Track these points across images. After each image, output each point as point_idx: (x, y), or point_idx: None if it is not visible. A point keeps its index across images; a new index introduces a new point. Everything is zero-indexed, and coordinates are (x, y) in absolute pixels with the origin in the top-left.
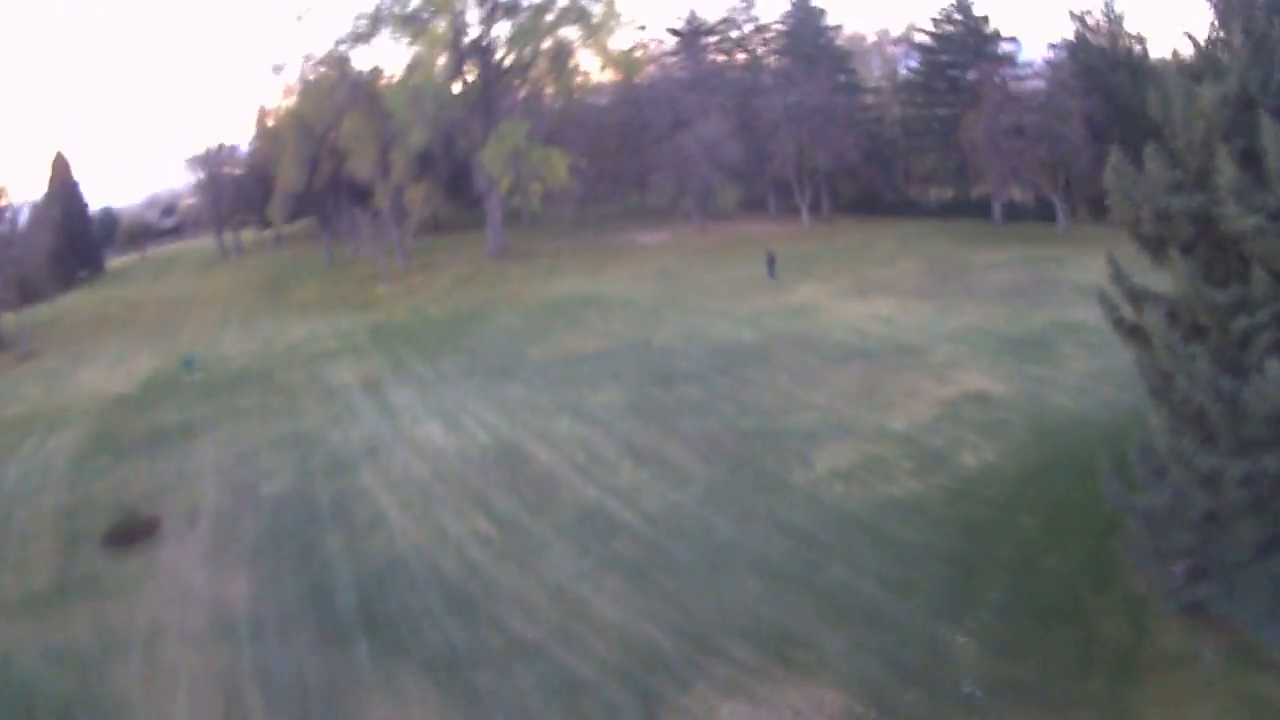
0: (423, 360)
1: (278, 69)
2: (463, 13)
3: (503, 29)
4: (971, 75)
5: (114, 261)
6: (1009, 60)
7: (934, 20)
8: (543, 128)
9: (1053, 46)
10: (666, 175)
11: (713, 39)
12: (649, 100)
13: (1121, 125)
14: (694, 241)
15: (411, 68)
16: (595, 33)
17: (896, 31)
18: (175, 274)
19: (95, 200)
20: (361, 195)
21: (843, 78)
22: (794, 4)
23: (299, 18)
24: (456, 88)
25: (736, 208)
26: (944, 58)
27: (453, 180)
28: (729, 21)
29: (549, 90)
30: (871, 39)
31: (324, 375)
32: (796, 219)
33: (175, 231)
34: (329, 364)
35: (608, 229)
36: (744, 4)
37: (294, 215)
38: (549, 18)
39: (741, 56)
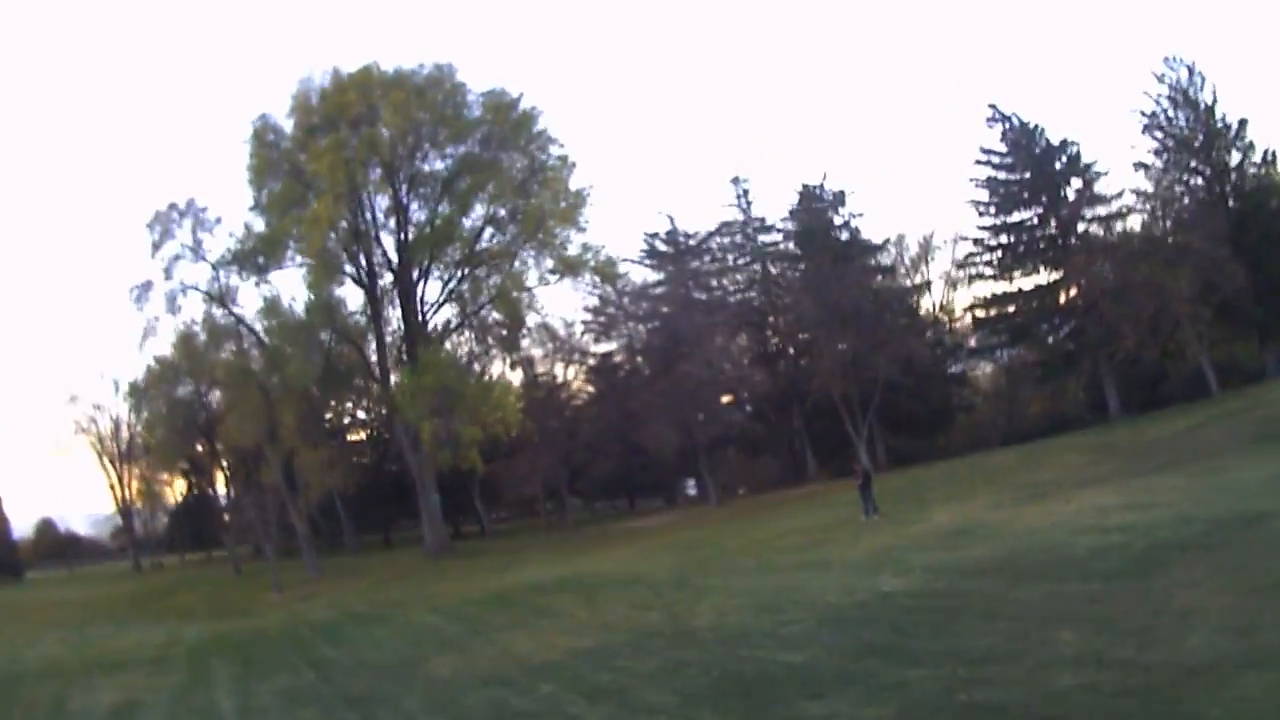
0: (236, 680)
1: (143, 292)
2: (358, 218)
3: (424, 243)
4: (1054, 226)
5: (42, 572)
6: (1098, 197)
7: (990, 164)
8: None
9: (1142, 167)
10: (666, 423)
11: (704, 260)
12: (632, 338)
13: (1254, 232)
14: (714, 515)
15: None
16: (540, 227)
17: (913, 248)
18: (79, 584)
19: (36, 511)
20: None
21: (883, 279)
22: (800, 194)
23: (149, 224)
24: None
25: (757, 489)
26: (1014, 216)
27: (375, 450)
28: (726, 227)
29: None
30: (886, 259)
31: (79, 693)
32: (849, 479)
33: (121, 551)
34: (106, 678)
35: (589, 522)
36: (740, 200)
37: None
38: (477, 220)
39: (747, 270)
